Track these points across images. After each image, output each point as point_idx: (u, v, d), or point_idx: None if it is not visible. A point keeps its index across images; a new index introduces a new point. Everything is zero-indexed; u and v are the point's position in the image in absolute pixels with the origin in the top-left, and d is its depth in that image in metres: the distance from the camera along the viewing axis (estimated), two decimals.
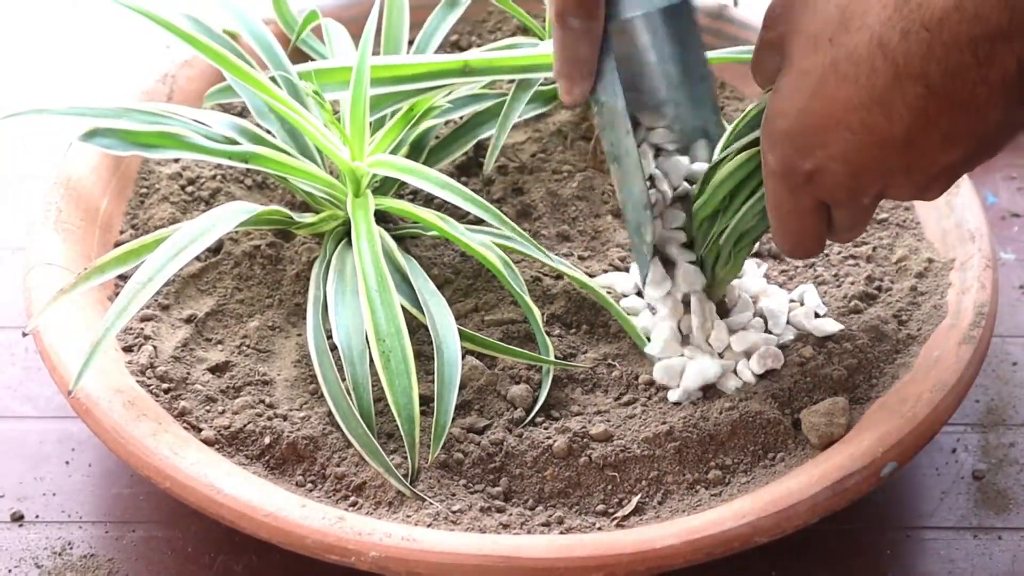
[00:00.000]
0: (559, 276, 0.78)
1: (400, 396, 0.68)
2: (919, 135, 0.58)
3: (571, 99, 0.70)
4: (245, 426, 0.70)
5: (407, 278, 0.74)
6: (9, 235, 0.92)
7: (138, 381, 0.71)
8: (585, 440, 0.69)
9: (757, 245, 0.79)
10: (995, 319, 0.73)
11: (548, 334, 0.74)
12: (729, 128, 0.70)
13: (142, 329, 0.74)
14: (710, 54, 0.90)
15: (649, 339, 0.74)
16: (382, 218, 0.80)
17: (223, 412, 0.71)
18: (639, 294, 0.77)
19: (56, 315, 0.71)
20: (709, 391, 0.72)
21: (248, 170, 0.85)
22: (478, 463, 0.69)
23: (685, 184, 0.73)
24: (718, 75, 0.96)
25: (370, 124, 0.78)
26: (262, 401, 0.72)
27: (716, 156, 0.70)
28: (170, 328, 0.76)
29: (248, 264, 0.79)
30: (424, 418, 0.70)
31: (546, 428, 0.70)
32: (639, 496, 0.68)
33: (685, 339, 0.74)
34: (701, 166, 0.73)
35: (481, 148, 0.85)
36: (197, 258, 0.78)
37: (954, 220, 0.79)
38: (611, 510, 0.68)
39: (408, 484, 0.67)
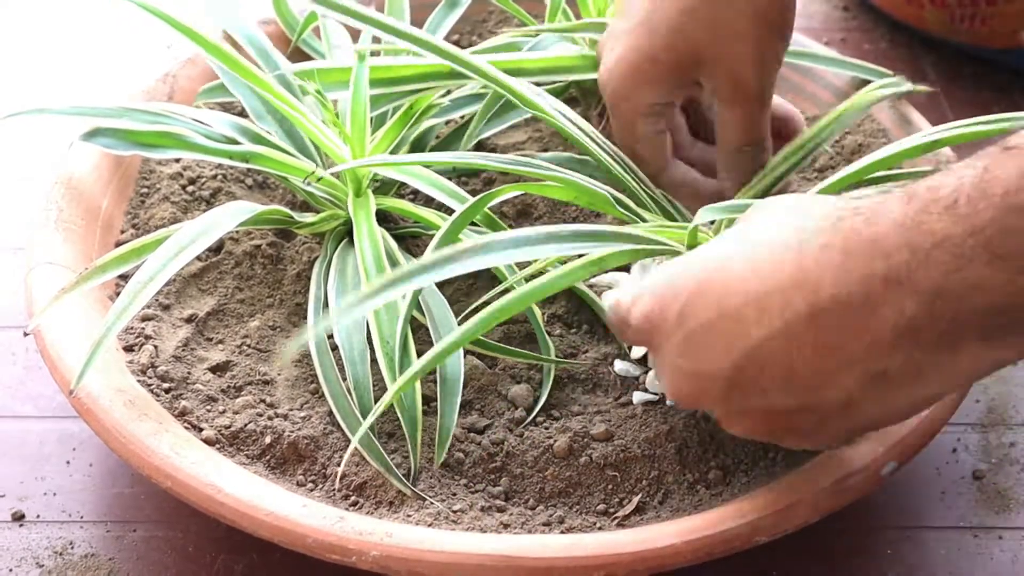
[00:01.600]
0: None
1: (403, 397, 0.68)
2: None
3: None
4: (246, 426, 0.70)
5: None
6: (9, 235, 0.92)
7: (139, 381, 0.71)
8: (586, 440, 0.69)
9: None
10: None
11: (549, 334, 0.74)
12: None
13: (143, 329, 0.74)
14: None
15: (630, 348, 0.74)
16: (383, 218, 0.80)
17: (224, 412, 0.71)
18: None
19: (57, 315, 0.71)
20: None
21: (249, 170, 0.85)
22: (479, 463, 0.69)
23: None
24: None
25: (371, 120, 0.78)
26: (263, 401, 0.72)
27: None
28: (171, 328, 0.76)
29: (249, 264, 0.79)
30: (424, 418, 0.70)
31: (547, 428, 0.70)
32: (640, 496, 0.68)
33: None
34: None
35: (481, 148, 0.85)
36: (198, 258, 0.78)
37: None
38: (612, 510, 0.67)
39: (409, 484, 0.67)
